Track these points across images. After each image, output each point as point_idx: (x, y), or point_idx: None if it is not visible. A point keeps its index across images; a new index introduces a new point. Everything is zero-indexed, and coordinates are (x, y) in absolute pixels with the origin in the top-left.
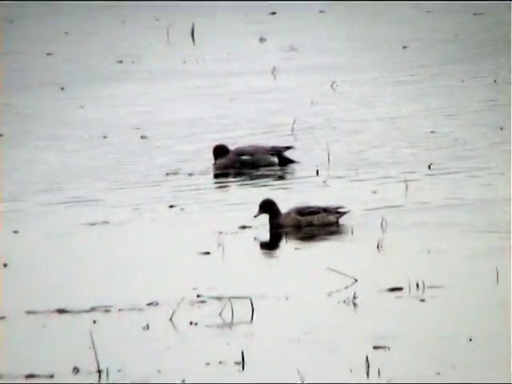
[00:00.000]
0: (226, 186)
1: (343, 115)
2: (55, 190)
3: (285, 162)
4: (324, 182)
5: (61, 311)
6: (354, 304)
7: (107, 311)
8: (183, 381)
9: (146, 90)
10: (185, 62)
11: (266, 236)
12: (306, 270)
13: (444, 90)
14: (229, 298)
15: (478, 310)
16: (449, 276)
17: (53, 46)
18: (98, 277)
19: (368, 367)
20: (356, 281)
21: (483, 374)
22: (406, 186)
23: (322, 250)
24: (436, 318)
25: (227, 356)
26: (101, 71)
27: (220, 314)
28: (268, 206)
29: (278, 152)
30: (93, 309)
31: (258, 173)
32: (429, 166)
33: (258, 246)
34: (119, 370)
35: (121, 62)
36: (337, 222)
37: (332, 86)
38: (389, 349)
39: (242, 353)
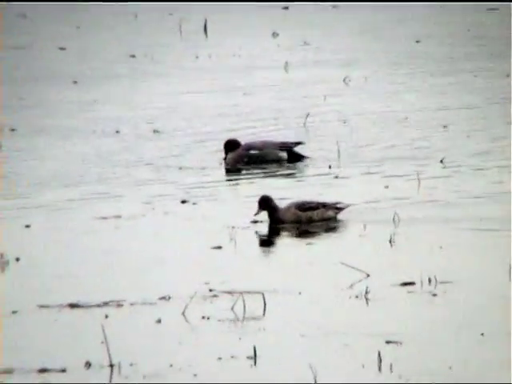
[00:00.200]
0: (238, 181)
1: (356, 110)
2: (67, 185)
3: (294, 157)
4: (336, 176)
5: (73, 306)
6: (367, 299)
7: (119, 306)
8: (195, 375)
9: (158, 85)
10: (197, 57)
11: (272, 231)
12: (318, 264)
13: (456, 85)
14: (241, 293)
15: (490, 305)
16: (461, 271)
17: (65, 40)
18: (111, 271)
19: (380, 362)
20: (368, 275)
21: (495, 368)
22: (419, 180)
23: (334, 244)
24: (448, 313)
25: (239, 351)
26: (113, 66)
27: (232, 309)
28: (266, 203)
29: (287, 147)
30: (105, 303)
31: (270, 167)
32: (441, 161)
33: (270, 241)
34: (131, 365)
35: (133, 56)
36: (335, 218)
37: (344, 80)
38: (401, 344)
39: (254, 347)
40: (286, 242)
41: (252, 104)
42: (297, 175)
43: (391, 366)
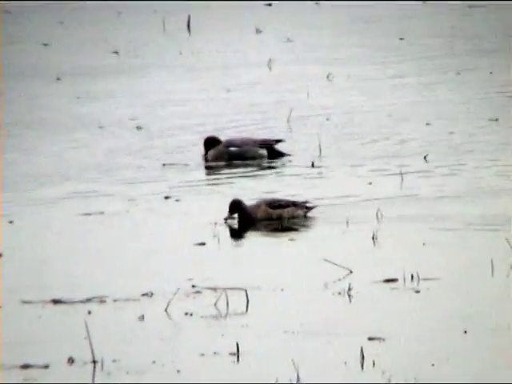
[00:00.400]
0: (221, 178)
1: (339, 107)
2: (50, 181)
3: (275, 154)
4: (319, 173)
5: (56, 301)
6: (349, 295)
7: (102, 302)
8: (178, 371)
9: (141, 81)
10: (181, 54)
11: (255, 228)
12: (301, 261)
13: (440, 82)
14: (224, 289)
15: (472, 302)
16: (444, 268)
17: (49, 36)
18: (94, 267)
19: (363, 359)
20: (351, 272)
21: (477, 366)
22: (402, 177)
23: (317, 241)
24: (431, 310)
25: (222, 347)
26: (97, 62)
27: (215, 305)
28: (237, 206)
29: (267, 145)
30: (88, 299)
31: (253, 164)
32: (425, 158)
33: (253, 238)
34: (114, 361)
35: (117, 53)
36: (305, 216)
37: (328, 77)
38: (384, 340)
39: (237, 344)
40: (269, 239)
41: (235, 100)
42: (279, 172)
43: (374, 362)
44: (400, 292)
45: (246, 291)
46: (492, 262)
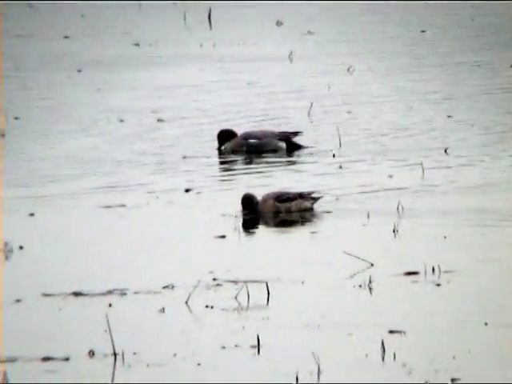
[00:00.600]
0: (242, 170)
1: (360, 99)
2: (70, 174)
3: (293, 147)
4: (340, 166)
5: (77, 294)
6: (370, 288)
7: (123, 294)
8: (199, 364)
9: (162, 74)
10: (201, 46)
11: (276, 221)
12: (322, 254)
13: (461, 74)
14: (245, 282)
15: (493, 294)
16: (465, 261)
17: (70, 29)
18: (115, 260)
19: (383, 351)
20: (372, 265)
21: (498, 358)
22: (423, 170)
23: (337, 234)
24: (452, 303)
25: (243, 340)
26: (118, 54)
27: (236, 298)
28: (250, 202)
29: (286, 137)
30: (109, 292)
31: (272, 157)
32: (445, 151)
33: (274, 230)
34: (135, 353)
35: (137, 45)
36: (312, 208)
37: (349, 70)
38: (404, 333)
39: (258, 337)
40: (289, 231)
41: (256, 93)
42: (299, 164)
43: (394, 355)
44: (421, 285)
45: (266, 284)
46: None
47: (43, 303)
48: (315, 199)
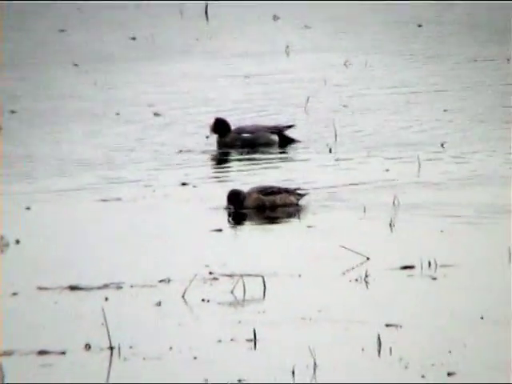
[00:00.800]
0: (238, 165)
1: (356, 94)
2: (67, 169)
3: (286, 140)
4: (336, 159)
5: (73, 288)
6: (366, 282)
7: (119, 288)
8: (195, 358)
9: (158, 68)
10: (198, 40)
11: (272, 214)
12: (318, 247)
13: (458, 70)
14: (241, 276)
15: (489, 288)
16: (461, 255)
17: (66, 22)
18: (111, 253)
19: (380, 345)
20: (368, 259)
21: (494, 352)
22: (419, 164)
23: (334, 228)
24: (448, 297)
25: (239, 333)
26: (114, 48)
27: (232, 292)
28: (236, 197)
29: (278, 130)
30: (105, 285)
31: (267, 151)
32: (442, 145)
33: (270, 224)
34: (131, 347)
35: (134, 39)
36: (297, 203)
37: (345, 64)
38: (400, 327)
39: (254, 330)
40: (286, 225)
41: (253, 87)
42: (294, 158)
43: (391, 349)
44: (417, 279)
45: (262, 278)
46: (510, 249)
47: (39, 297)
48: (301, 195)
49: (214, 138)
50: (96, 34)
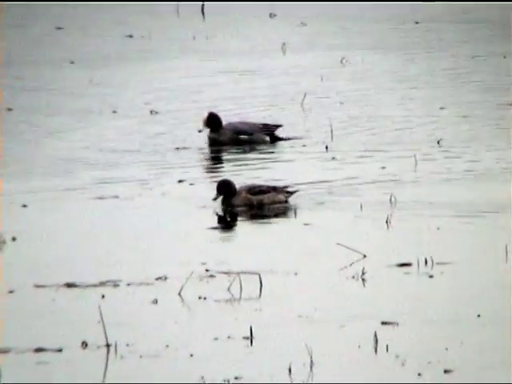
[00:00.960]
0: (235, 162)
1: (353, 91)
2: (63, 167)
3: (275, 140)
4: (333, 157)
5: (69, 285)
6: (363, 280)
7: (116, 285)
8: (191, 355)
9: (155, 66)
10: (194, 38)
11: (269, 212)
12: (314, 245)
13: (454, 67)
14: (237, 273)
15: (486, 286)
16: (458, 252)
17: (63, 20)
18: (107, 251)
19: (376, 343)
20: (365, 256)
21: (491, 350)
22: (416, 162)
23: (330, 225)
24: (444, 294)
25: (235, 331)
26: (110, 46)
27: (229, 289)
28: (226, 187)
29: (270, 131)
30: (101, 283)
31: (265, 148)
32: (438, 142)
33: (267, 221)
34: (127, 345)
35: (131, 36)
36: (286, 201)
37: (342, 61)
38: (397, 325)
39: (251, 328)
40: (282, 223)
41: (249, 85)
42: (291, 156)
43: (387, 346)
44: (414, 276)
45: (259, 275)
46: (506, 247)
47: (36, 294)
48: (289, 193)
49: (206, 132)
50: (92, 31)
